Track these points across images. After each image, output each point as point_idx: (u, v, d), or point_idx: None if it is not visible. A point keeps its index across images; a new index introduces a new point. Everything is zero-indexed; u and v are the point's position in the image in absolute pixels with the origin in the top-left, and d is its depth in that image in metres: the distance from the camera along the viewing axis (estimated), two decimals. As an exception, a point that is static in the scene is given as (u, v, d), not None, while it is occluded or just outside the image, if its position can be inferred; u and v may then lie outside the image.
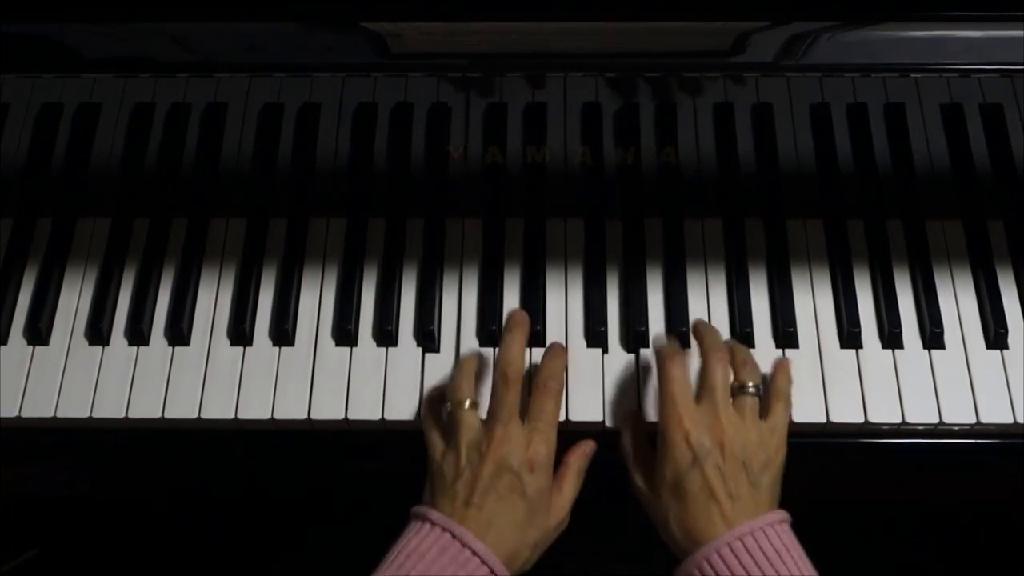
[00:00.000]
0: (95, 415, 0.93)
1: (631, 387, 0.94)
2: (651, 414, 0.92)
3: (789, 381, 0.90)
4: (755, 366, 0.88)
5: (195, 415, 0.93)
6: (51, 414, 0.93)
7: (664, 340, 0.95)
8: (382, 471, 1.01)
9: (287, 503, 1.30)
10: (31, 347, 0.97)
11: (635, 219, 1.01)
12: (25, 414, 0.94)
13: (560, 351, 0.91)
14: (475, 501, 0.83)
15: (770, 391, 0.89)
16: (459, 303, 0.98)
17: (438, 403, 0.92)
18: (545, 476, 0.85)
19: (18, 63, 0.86)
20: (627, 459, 0.89)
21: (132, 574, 1.35)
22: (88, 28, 0.84)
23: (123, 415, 0.93)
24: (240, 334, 0.96)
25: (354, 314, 0.97)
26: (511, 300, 0.98)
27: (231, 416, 0.93)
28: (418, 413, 0.93)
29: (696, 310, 0.97)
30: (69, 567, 1.35)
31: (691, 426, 0.83)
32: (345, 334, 0.96)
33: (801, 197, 1.02)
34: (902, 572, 1.33)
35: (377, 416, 0.93)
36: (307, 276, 1.00)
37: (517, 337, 0.90)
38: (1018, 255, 1.00)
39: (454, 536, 0.81)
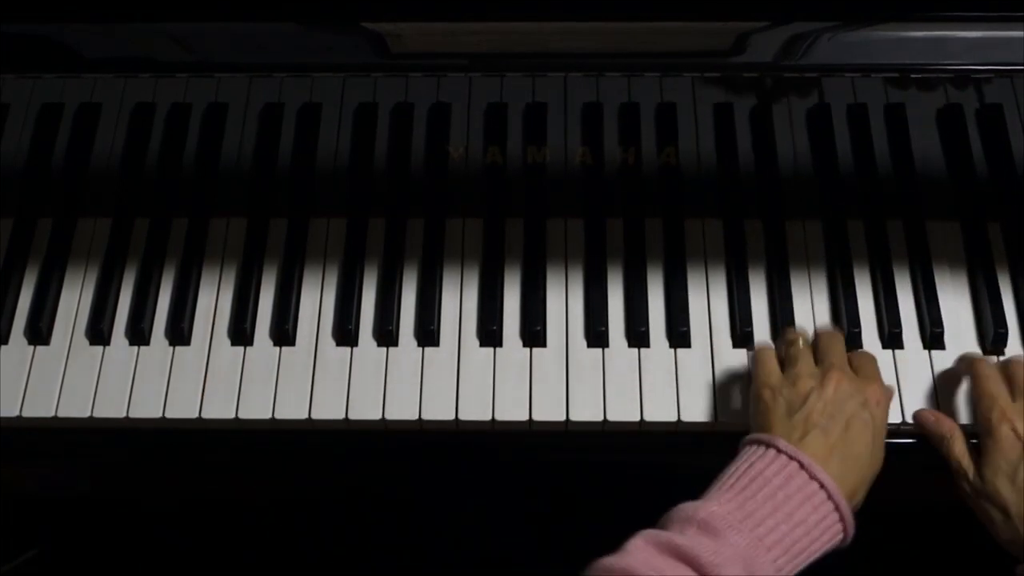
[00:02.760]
0: (95, 415, 0.93)
1: (632, 387, 0.94)
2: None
3: None
4: None
5: (195, 415, 0.93)
6: (51, 414, 0.93)
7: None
8: (383, 473, 1.01)
9: (286, 504, 1.30)
10: (32, 347, 0.97)
11: (635, 219, 1.01)
12: (25, 414, 0.94)
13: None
14: (821, 423, 0.81)
15: None
16: (460, 303, 0.98)
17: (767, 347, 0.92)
18: (885, 414, 0.86)
19: (18, 63, 0.86)
20: (957, 463, 0.87)
21: (132, 574, 1.35)
22: (88, 28, 0.84)
23: (124, 415, 0.93)
24: (241, 334, 0.96)
25: (354, 314, 0.97)
26: (511, 300, 0.98)
27: (232, 416, 0.93)
28: (419, 414, 0.93)
29: (696, 310, 0.97)
30: (69, 567, 1.35)
31: (1015, 417, 0.84)
32: (346, 334, 0.96)
33: (801, 197, 1.02)
34: (902, 572, 1.33)
35: (377, 416, 0.93)
36: (307, 276, 1.00)
37: None
38: (1017, 256, 1.00)
39: (802, 465, 0.78)
